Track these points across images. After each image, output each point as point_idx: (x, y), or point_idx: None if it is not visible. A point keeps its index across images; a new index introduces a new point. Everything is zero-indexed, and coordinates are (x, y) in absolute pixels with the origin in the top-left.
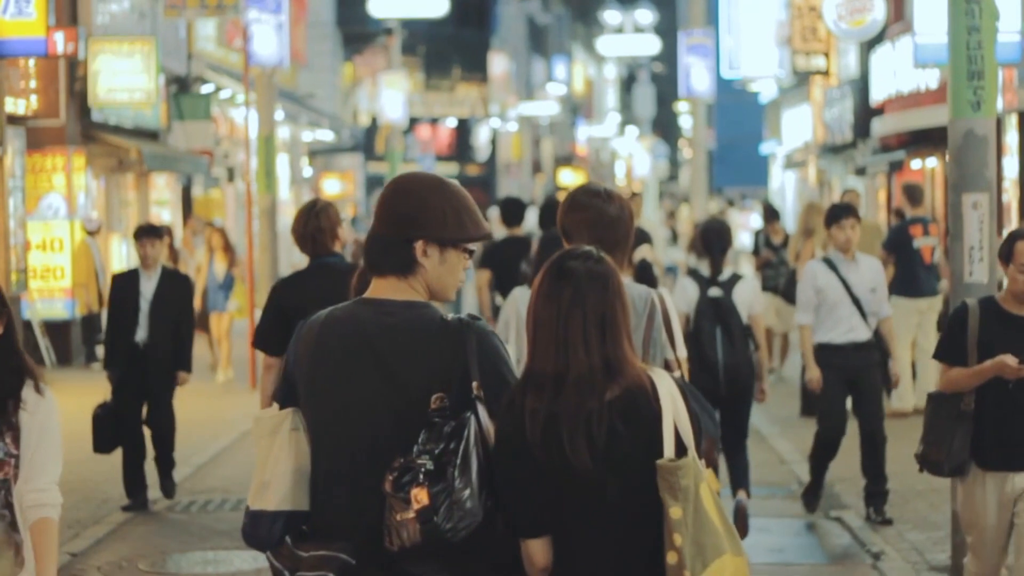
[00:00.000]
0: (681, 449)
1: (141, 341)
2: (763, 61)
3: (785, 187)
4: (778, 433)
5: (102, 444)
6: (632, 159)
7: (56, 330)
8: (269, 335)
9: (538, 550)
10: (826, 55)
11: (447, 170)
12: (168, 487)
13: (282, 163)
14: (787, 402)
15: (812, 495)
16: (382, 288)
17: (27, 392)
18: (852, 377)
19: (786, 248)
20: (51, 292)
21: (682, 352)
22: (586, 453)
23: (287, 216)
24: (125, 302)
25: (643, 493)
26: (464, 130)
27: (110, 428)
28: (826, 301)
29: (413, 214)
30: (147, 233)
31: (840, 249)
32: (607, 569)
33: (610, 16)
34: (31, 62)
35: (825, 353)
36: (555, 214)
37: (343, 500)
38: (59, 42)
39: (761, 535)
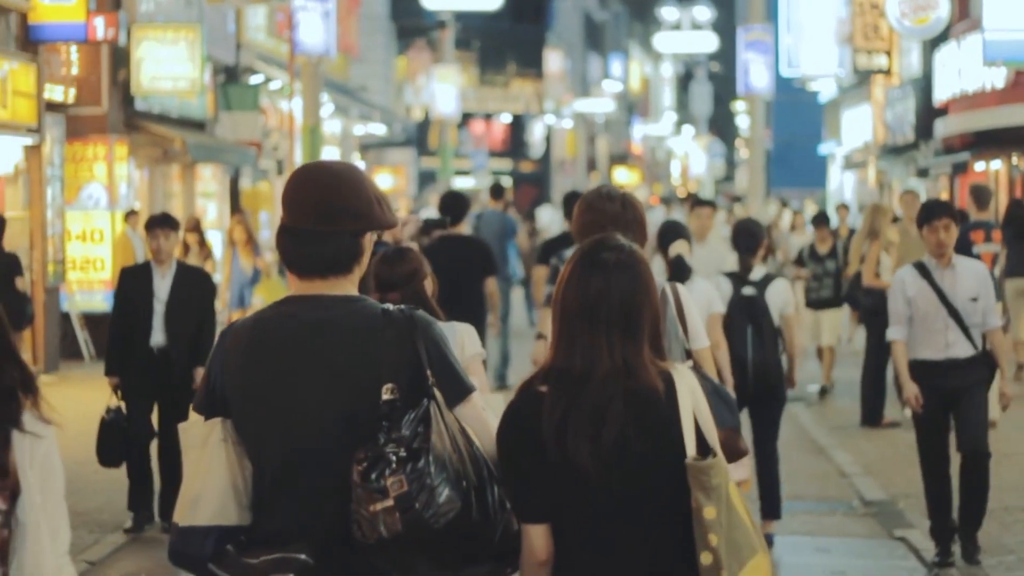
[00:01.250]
0: (704, 447)
1: (156, 346)
2: (823, 59)
3: (843, 188)
4: (837, 444)
5: (109, 456)
6: (688, 158)
7: (95, 322)
8: None
9: (538, 537)
10: (888, 53)
11: (501, 166)
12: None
13: (332, 157)
14: (846, 411)
15: (937, 540)
16: (315, 286)
17: (27, 420)
18: (951, 399)
19: (832, 258)
20: (91, 284)
21: (698, 344)
22: (586, 453)
23: None
24: (135, 301)
25: (661, 495)
26: (518, 126)
27: (119, 438)
28: (918, 313)
29: (362, 208)
30: (160, 223)
31: (933, 254)
32: (614, 570)
33: (668, 12)
34: (73, 49)
35: (919, 371)
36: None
37: (294, 504)
38: (99, 27)
39: (820, 556)
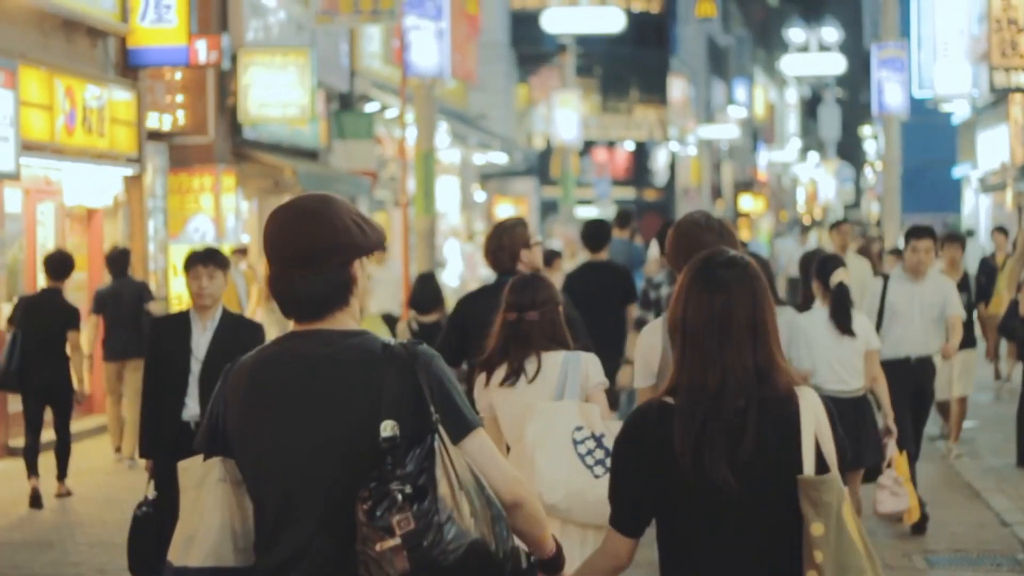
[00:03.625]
0: (822, 467)
1: (193, 419)
2: (957, 79)
3: (979, 212)
4: (993, 488)
5: (142, 560)
6: (814, 185)
7: None
8: (446, 348)
9: (624, 546)
10: None
11: (624, 195)
12: None
13: (452, 187)
14: (1001, 450)
15: None
16: (311, 323)
17: None
18: None
19: (963, 291)
20: None
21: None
22: (725, 465)
23: (455, 243)
24: (167, 361)
25: (779, 509)
26: (642, 153)
27: (154, 538)
28: None
29: (342, 239)
30: (203, 260)
31: None
32: None
33: (794, 34)
34: (177, 75)
35: None
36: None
37: (292, 543)
38: (201, 51)
39: None
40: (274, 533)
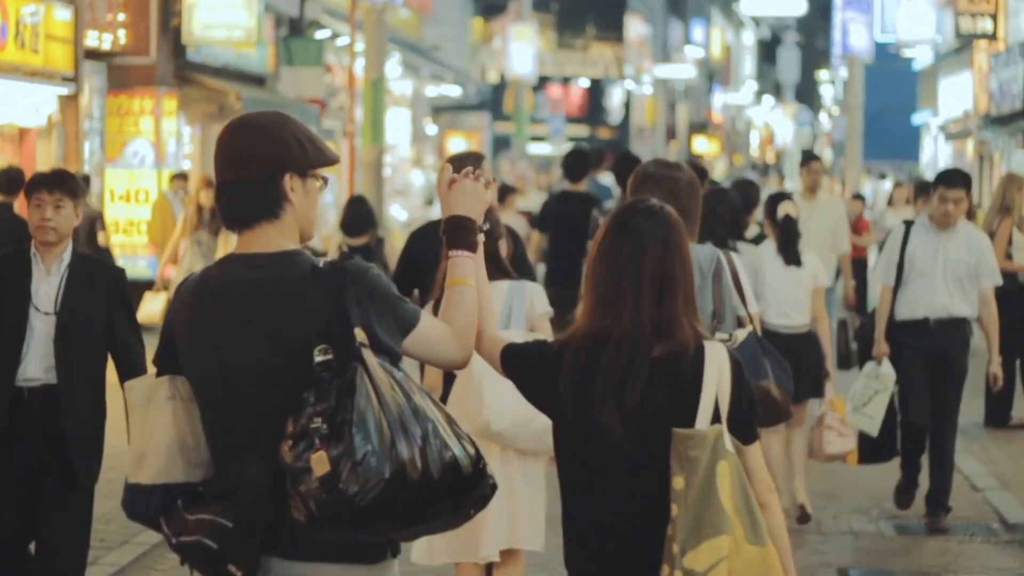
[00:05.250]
0: (717, 421)
1: (29, 385)
2: (920, 24)
3: (938, 160)
4: (962, 449)
5: None
6: (769, 128)
7: (139, 291)
8: (395, 279)
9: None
10: (994, 17)
11: (578, 132)
12: None
13: (404, 119)
14: (968, 410)
15: None
16: (251, 241)
17: None
18: None
19: None
20: (134, 248)
21: (754, 308)
22: (615, 416)
23: (406, 174)
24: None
25: (663, 461)
26: (597, 91)
27: None
28: None
29: (270, 149)
30: (46, 183)
31: None
32: (624, 523)
33: None
34: None
35: None
36: (632, 167)
37: (233, 467)
38: None
39: None
40: (220, 458)
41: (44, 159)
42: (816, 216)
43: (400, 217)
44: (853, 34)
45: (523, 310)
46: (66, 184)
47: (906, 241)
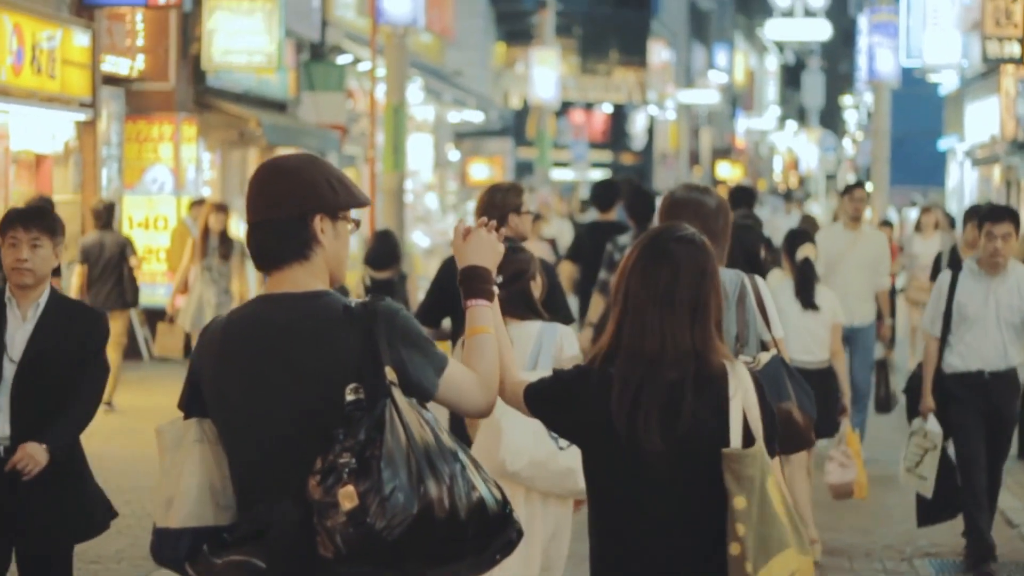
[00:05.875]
0: (749, 441)
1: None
2: (946, 49)
3: (964, 187)
4: None
5: None
6: (793, 154)
7: (156, 319)
8: (422, 307)
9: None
10: (1021, 41)
11: (601, 157)
12: None
13: (426, 145)
14: None
15: None
16: (280, 282)
17: None
18: None
19: None
20: (152, 276)
21: (779, 333)
22: (658, 435)
23: (425, 201)
24: None
25: (706, 482)
26: (620, 117)
27: None
28: None
29: (300, 190)
30: (22, 220)
31: None
32: (663, 549)
33: None
34: (139, 17)
35: None
36: (645, 201)
37: (264, 508)
38: None
39: None
40: (245, 498)
41: (61, 186)
42: (859, 248)
43: (422, 244)
44: (879, 59)
45: (552, 352)
46: (44, 221)
47: (953, 288)
